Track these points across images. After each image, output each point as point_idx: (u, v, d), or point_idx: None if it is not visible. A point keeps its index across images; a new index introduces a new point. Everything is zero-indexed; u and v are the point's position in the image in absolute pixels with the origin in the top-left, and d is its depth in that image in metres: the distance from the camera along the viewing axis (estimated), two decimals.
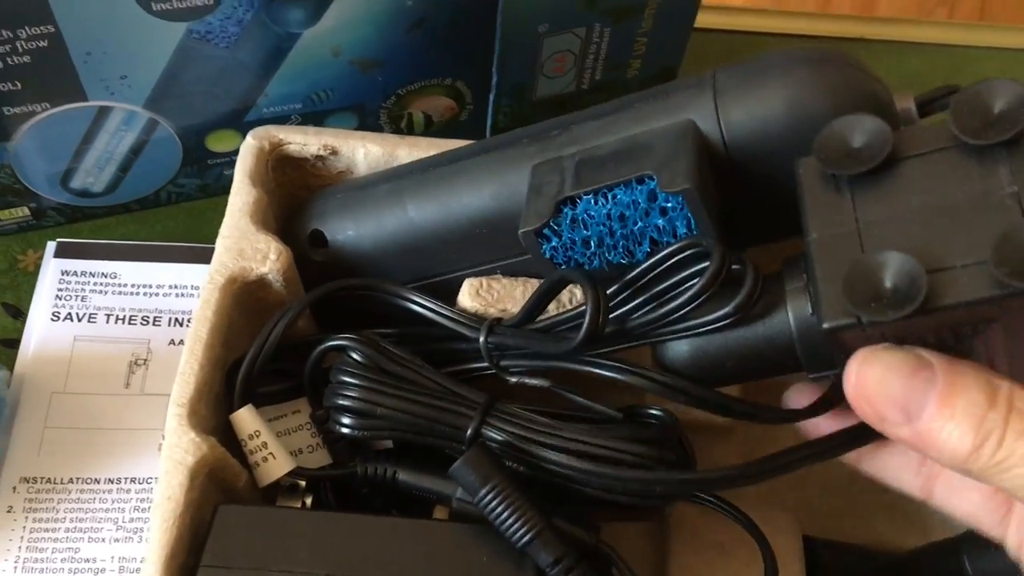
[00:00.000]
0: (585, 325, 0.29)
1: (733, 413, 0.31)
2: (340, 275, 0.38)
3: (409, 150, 0.41)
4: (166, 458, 0.32)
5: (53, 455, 0.42)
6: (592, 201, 0.31)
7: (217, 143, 0.48)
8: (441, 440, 0.33)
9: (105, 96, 0.44)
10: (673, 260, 0.30)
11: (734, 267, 0.29)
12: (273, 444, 0.35)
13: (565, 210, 0.32)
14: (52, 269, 0.48)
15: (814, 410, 0.31)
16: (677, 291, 0.29)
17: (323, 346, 0.35)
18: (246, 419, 0.35)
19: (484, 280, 0.37)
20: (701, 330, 0.29)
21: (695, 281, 0.28)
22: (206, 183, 0.51)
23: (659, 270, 0.30)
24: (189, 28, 0.42)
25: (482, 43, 0.48)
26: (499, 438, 0.32)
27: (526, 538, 0.30)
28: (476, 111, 0.53)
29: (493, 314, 0.36)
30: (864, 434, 0.29)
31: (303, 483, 0.35)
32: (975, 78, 0.66)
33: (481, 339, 0.34)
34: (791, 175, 0.29)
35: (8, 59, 0.41)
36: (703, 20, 0.52)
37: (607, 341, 0.31)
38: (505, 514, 0.30)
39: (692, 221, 0.30)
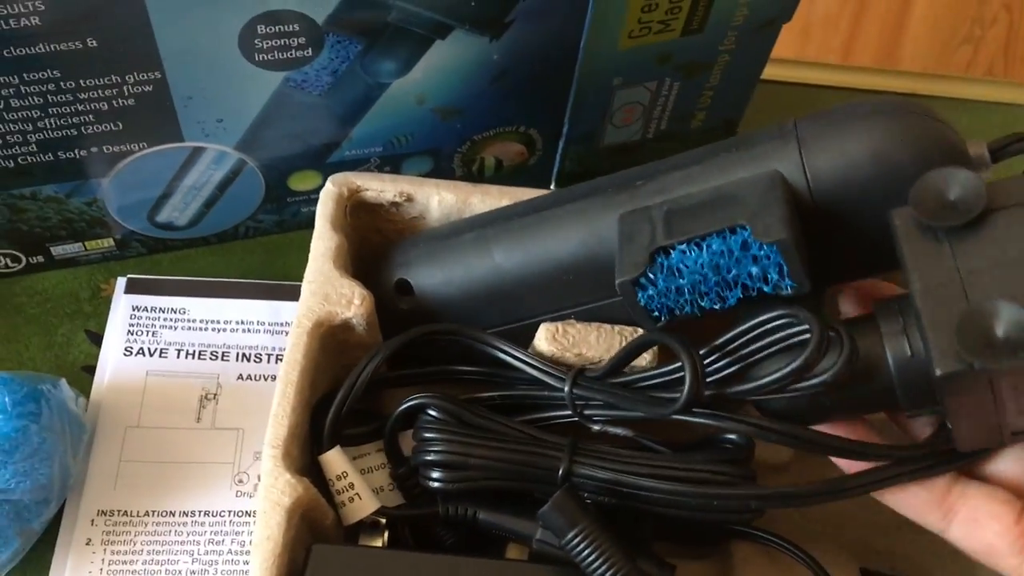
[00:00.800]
0: (685, 392, 0.31)
1: (843, 453, 0.32)
2: (422, 320, 0.40)
3: (482, 197, 0.43)
4: (263, 499, 0.34)
5: (129, 488, 0.44)
6: (686, 251, 0.33)
7: (298, 183, 0.50)
8: (533, 484, 0.34)
9: (200, 137, 0.46)
10: (768, 327, 0.31)
11: (831, 334, 0.30)
12: (359, 484, 0.37)
13: (660, 259, 0.33)
14: (123, 304, 0.49)
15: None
16: (771, 359, 0.31)
17: (404, 406, 0.36)
18: (335, 460, 0.37)
19: (560, 325, 0.38)
20: (797, 395, 0.30)
21: (795, 358, 0.29)
22: (283, 219, 0.53)
23: (754, 334, 0.31)
24: (287, 77, 0.43)
25: (557, 94, 0.50)
26: (592, 474, 0.34)
27: None
28: (544, 156, 0.54)
29: (569, 358, 0.38)
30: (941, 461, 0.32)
31: (383, 521, 0.37)
32: (1000, 134, 0.67)
33: (566, 389, 0.35)
34: (874, 221, 0.31)
35: (114, 102, 0.42)
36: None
37: (701, 405, 0.32)
38: (592, 556, 0.32)
39: (785, 268, 0.31)
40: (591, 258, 0.36)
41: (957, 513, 0.31)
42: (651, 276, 0.33)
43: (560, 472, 0.34)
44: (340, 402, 0.37)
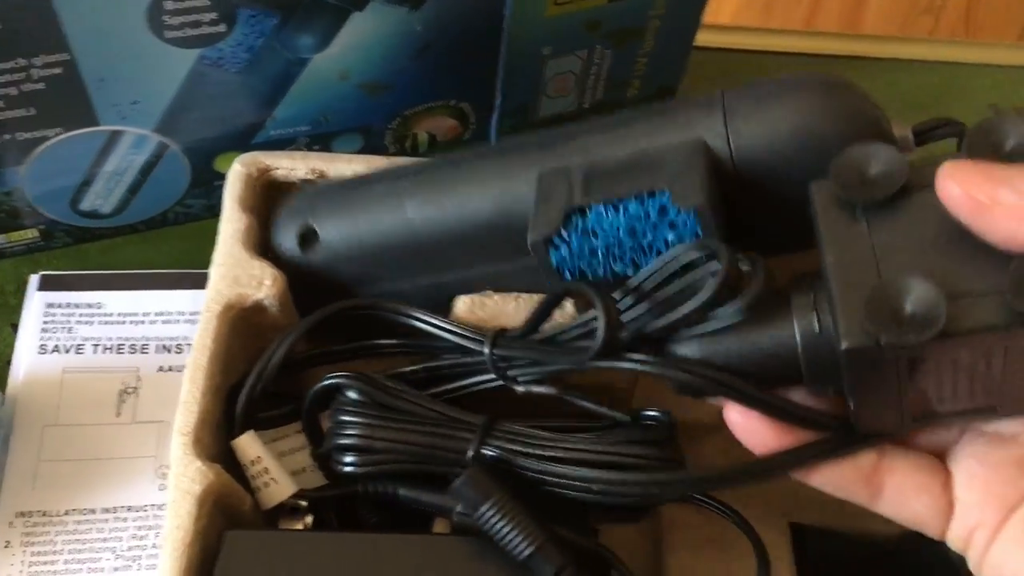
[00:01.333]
0: (600, 336, 0.30)
1: (771, 411, 0.31)
2: (329, 276, 0.39)
3: None
4: (173, 487, 0.33)
5: (48, 488, 0.43)
6: (603, 212, 0.32)
7: (225, 164, 0.49)
8: (444, 467, 0.33)
9: (117, 121, 0.44)
10: (680, 264, 0.30)
11: (743, 268, 0.29)
12: (275, 468, 0.36)
13: (575, 219, 0.32)
14: (36, 303, 0.48)
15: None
16: (685, 294, 0.30)
17: (318, 387, 0.35)
18: (248, 445, 0.36)
19: (477, 297, 0.38)
20: (712, 330, 0.30)
21: (709, 284, 0.29)
22: (213, 203, 0.51)
23: (666, 274, 0.30)
24: (201, 54, 0.42)
25: (487, 66, 0.49)
26: (500, 456, 0.33)
27: (528, 552, 0.30)
28: (479, 130, 0.53)
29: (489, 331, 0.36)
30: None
31: (304, 504, 0.36)
32: (964, 95, 0.66)
33: (486, 350, 0.34)
34: (796, 194, 0.30)
35: (22, 86, 0.41)
36: (698, 39, 0.53)
37: (619, 349, 0.31)
38: (506, 529, 0.31)
39: (700, 236, 0.31)
40: (506, 216, 0.35)
41: (885, 488, 0.31)
42: (565, 236, 0.32)
43: (469, 455, 0.33)
44: (251, 386, 0.36)
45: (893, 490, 0.31)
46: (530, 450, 0.32)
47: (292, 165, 0.41)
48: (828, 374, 0.29)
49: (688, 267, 0.30)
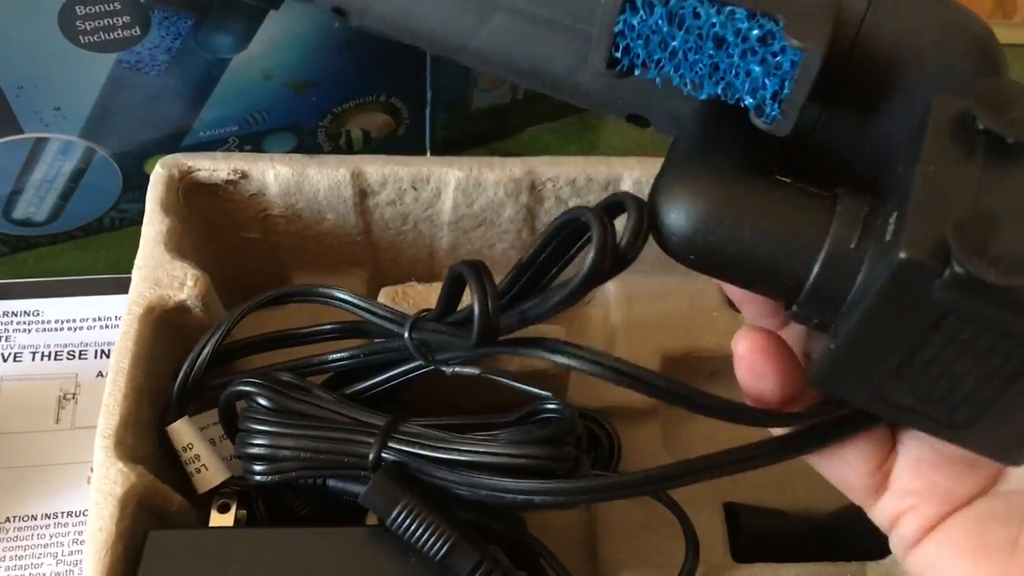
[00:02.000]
0: (476, 321, 0.29)
1: (686, 404, 0.29)
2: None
3: (319, 168, 0.42)
4: (95, 490, 0.33)
5: None
6: (708, 4, 0.25)
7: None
8: (348, 471, 0.33)
9: (40, 128, 0.44)
10: (560, 237, 0.28)
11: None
12: (206, 455, 0.36)
13: None
14: None
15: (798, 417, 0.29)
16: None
17: (229, 392, 0.35)
18: (180, 431, 0.36)
19: (400, 288, 0.38)
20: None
21: (585, 267, 0.27)
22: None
23: (548, 250, 0.29)
24: (119, 58, 0.42)
25: (414, 60, 0.49)
26: (400, 459, 0.32)
27: (443, 551, 0.31)
28: (413, 125, 0.53)
29: None
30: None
31: (233, 503, 0.36)
32: None
33: (406, 335, 0.34)
34: (894, 114, 0.27)
35: None
36: None
37: (511, 329, 0.31)
38: (418, 532, 0.31)
39: (787, 89, 0.25)
40: None
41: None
42: (652, 2, 0.26)
43: (370, 459, 0.33)
44: (183, 377, 0.37)
45: (830, 450, 0.29)
46: (427, 452, 0.32)
47: (214, 166, 0.41)
48: (830, 301, 0.25)
49: (569, 237, 0.28)
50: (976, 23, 0.27)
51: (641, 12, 0.26)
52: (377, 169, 0.42)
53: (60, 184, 0.48)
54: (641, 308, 0.47)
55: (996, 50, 0.27)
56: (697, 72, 0.26)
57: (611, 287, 0.48)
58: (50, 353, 0.47)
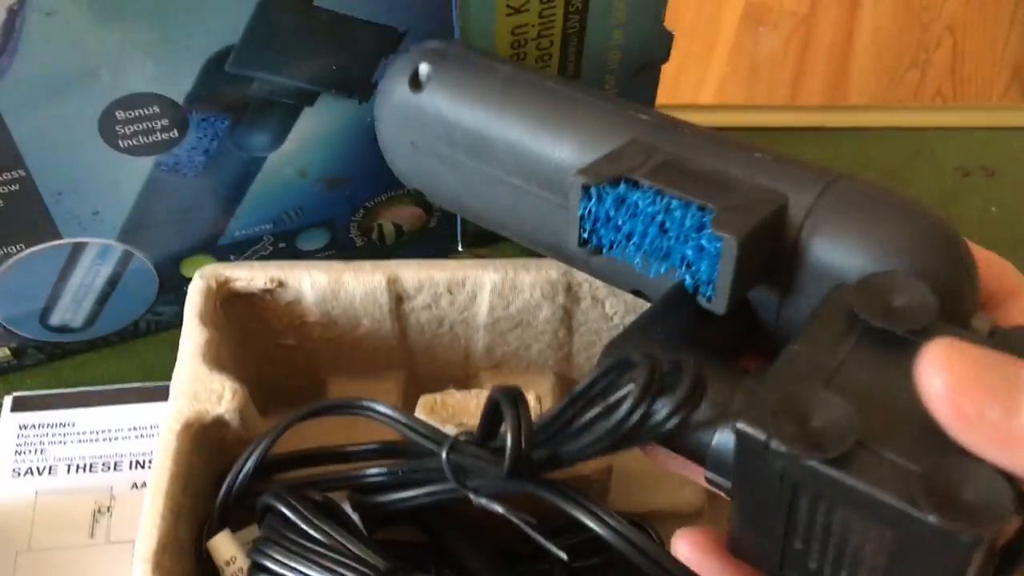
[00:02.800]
0: (508, 454, 0.29)
1: None
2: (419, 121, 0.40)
3: (355, 275, 0.42)
4: None
5: None
6: (650, 198, 0.30)
7: (192, 269, 0.49)
8: None
9: (78, 233, 0.45)
10: (607, 380, 0.28)
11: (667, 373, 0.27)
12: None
13: (623, 187, 0.30)
14: (9, 424, 0.48)
15: None
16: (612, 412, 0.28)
17: (262, 503, 0.35)
18: (223, 546, 0.36)
19: (438, 397, 0.38)
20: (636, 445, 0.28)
21: (620, 410, 0.27)
22: (183, 309, 0.51)
23: (595, 391, 0.28)
24: (157, 161, 0.43)
25: None
26: None
27: None
28: (444, 217, 0.54)
29: (450, 431, 0.35)
30: None
31: None
32: (933, 160, 0.67)
33: (444, 456, 0.32)
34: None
35: None
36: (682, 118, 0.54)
37: (546, 465, 0.30)
38: None
39: (715, 271, 0.29)
40: (579, 148, 0.34)
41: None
42: (603, 192, 0.30)
43: None
44: (226, 493, 0.36)
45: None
46: None
47: (251, 275, 0.42)
48: (725, 467, 0.27)
49: (608, 388, 0.28)
50: (916, 240, 0.29)
51: (594, 199, 0.31)
52: (413, 274, 0.43)
53: (97, 289, 0.48)
54: None
55: (939, 271, 0.28)
56: (646, 253, 0.30)
57: None
58: (85, 465, 0.47)
